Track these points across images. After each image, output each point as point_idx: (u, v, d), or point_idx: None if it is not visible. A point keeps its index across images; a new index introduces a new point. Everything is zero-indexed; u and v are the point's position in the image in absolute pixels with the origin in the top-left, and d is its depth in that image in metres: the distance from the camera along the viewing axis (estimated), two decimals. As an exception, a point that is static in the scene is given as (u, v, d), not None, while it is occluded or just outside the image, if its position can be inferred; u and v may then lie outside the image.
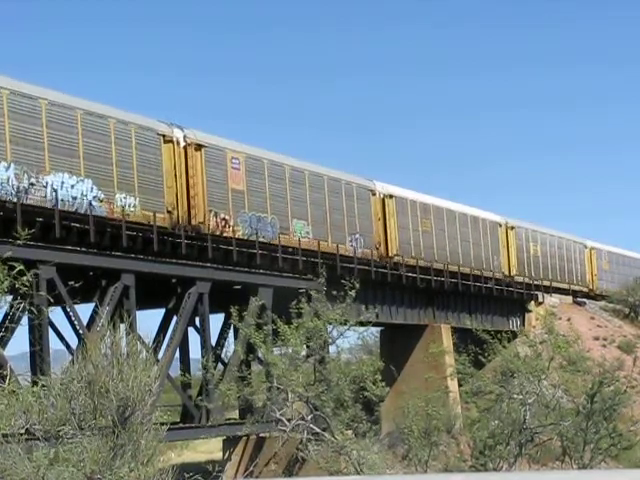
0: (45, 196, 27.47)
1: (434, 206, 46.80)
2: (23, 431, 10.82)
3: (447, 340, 45.21)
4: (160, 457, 11.15)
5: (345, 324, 29.73)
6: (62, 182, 27.99)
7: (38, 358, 26.31)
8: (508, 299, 53.30)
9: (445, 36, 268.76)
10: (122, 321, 18.54)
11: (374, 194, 42.58)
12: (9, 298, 14.07)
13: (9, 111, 26.86)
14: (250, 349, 31.70)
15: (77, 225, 28.85)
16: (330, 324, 29.47)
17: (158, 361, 28.48)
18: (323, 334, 29.10)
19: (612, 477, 10.65)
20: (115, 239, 29.95)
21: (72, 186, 28.32)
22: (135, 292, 29.90)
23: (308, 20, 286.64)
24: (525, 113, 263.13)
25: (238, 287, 34.40)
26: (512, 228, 53.81)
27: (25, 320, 21.12)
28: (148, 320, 41.01)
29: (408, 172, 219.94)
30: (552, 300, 57.76)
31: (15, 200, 26.60)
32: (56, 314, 28.55)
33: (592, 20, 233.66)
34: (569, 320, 55.36)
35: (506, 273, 52.32)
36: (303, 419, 28.45)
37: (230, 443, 34.69)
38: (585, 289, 62.88)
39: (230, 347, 34.35)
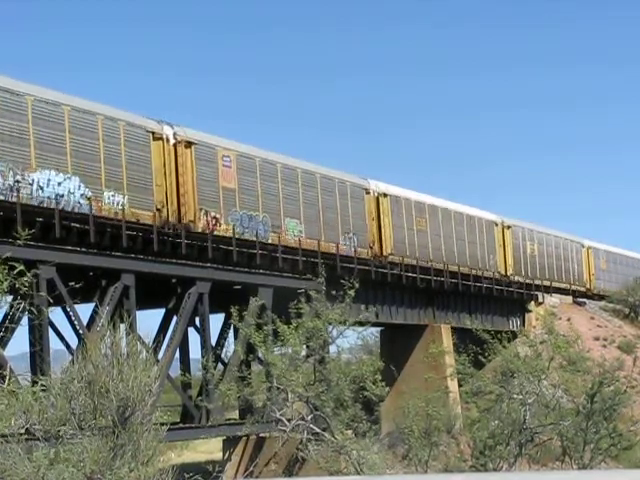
0: (31, 193, 27.13)
1: (429, 205, 46.39)
2: (23, 431, 10.81)
3: (447, 340, 45.18)
4: (160, 457, 11.14)
5: (344, 324, 29.70)
6: (49, 179, 27.67)
7: (38, 358, 26.30)
8: (508, 299, 53.27)
9: (445, 36, 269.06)
10: (122, 321, 18.51)
11: (368, 193, 42.16)
12: (9, 298, 14.06)
13: (-6, 107, 26.52)
14: (250, 349, 31.69)
15: (77, 225, 28.84)
16: (330, 324, 29.45)
17: (158, 361, 28.47)
18: (323, 334, 29.08)
19: (612, 477, 10.64)
20: (115, 239, 29.94)
21: (59, 183, 27.98)
22: (135, 292, 29.89)
23: (308, 20, 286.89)
24: (525, 113, 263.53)
25: (238, 287, 34.38)
26: (508, 227, 53.52)
27: (25, 320, 21.13)
28: (148, 320, 41.08)
29: (408, 172, 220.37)
30: (552, 300, 57.72)
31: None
32: (56, 314, 28.58)
33: (592, 20, 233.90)
34: (569, 320, 55.34)
35: (502, 272, 52.00)
36: (303, 419, 28.43)
37: (230, 443, 34.68)
38: (582, 288, 62.61)
39: (230, 347, 34.37)
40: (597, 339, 54.99)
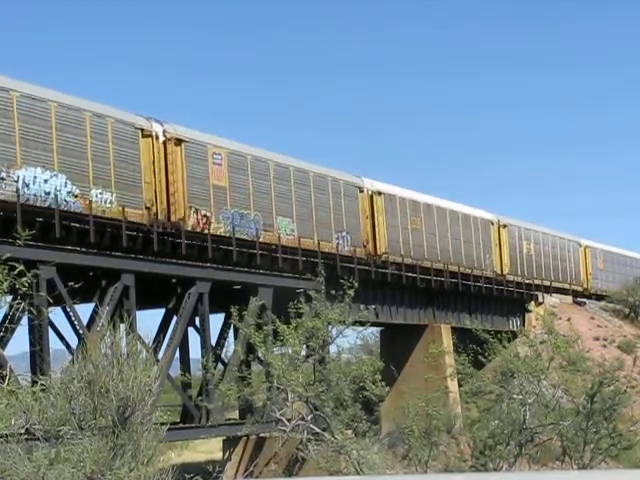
0: (17, 191, 26.81)
1: (424, 203, 46.03)
2: (23, 431, 10.81)
3: (447, 340, 45.18)
4: (160, 457, 11.14)
5: (344, 323, 29.68)
6: (34, 177, 27.31)
7: (38, 358, 26.29)
8: (508, 299, 53.26)
9: (445, 36, 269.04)
10: (122, 321, 18.53)
11: (362, 191, 41.77)
12: (9, 298, 14.05)
13: (-23, 103, 26.21)
14: (250, 349, 31.68)
15: (77, 225, 28.83)
16: (329, 324, 29.44)
17: (158, 361, 28.47)
18: (322, 333, 29.06)
19: (612, 477, 10.64)
20: (115, 239, 29.93)
21: (45, 181, 27.60)
22: (135, 292, 29.88)
23: (308, 20, 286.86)
24: (525, 113, 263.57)
25: (238, 287, 34.37)
26: (504, 226, 53.21)
27: (25, 320, 21.12)
28: (148, 320, 41.05)
29: (408, 172, 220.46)
30: (552, 300, 57.70)
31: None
32: (56, 314, 28.56)
33: (592, 20, 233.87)
34: (569, 320, 55.31)
35: (498, 272, 51.72)
36: (303, 419, 28.42)
37: (230, 443, 34.69)
38: (579, 288, 62.36)
39: (230, 347, 34.38)
40: (597, 339, 55.00)
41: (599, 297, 63.89)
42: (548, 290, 57.56)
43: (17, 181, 26.79)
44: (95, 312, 29.49)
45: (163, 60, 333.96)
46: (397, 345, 46.47)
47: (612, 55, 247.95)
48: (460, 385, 37.96)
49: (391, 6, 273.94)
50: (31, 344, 26.74)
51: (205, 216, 33.02)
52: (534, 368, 30.65)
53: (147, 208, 30.80)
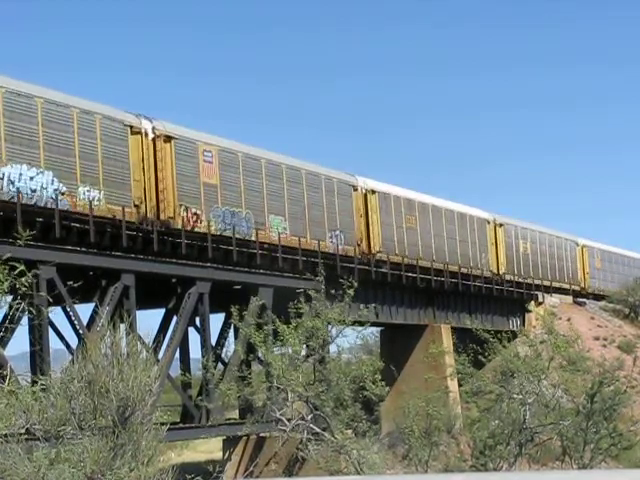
0: (2, 188, 26.60)
1: (419, 202, 45.64)
2: (23, 431, 10.81)
3: (447, 340, 45.18)
4: (160, 457, 11.14)
5: (344, 323, 29.68)
6: (20, 174, 26.95)
7: (38, 358, 26.28)
8: (508, 299, 53.24)
9: (445, 36, 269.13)
10: (122, 321, 18.53)
11: (356, 189, 41.42)
12: (9, 298, 14.06)
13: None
14: (250, 349, 31.68)
15: (77, 225, 28.82)
16: (329, 323, 29.44)
17: (158, 361, 28.46)
18: (322, 333, 29.06)
19: (612, 477, 10.64)
20: (115, 239, 29.92)
21: (31, 178, 27.21)
22: (135, 292, 29.86)
23: (308, 20, 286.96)
24: (525, 113, 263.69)
25: (238, 287, 34.35)
26: (501, 225, 52.83)
27: (25, 320, 21.11)
28: (148, 320, 41.07)
29: (408, 172, 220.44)
30: (552, 300, 57.66)
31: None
32: (56, 314, 28.55)
33: (592, 20, 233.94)
34: (569, 320, 55.31)
35: (494, 271, 51.44)
36: (303, 419, 28.43)
37: (230, 443, 34.68)
38: (577, 287, 62.08)
39: (230, 347, 34.37)
40: (597, 339, 54.99)
41: (596, 296, 63.73)
42: (548, 290, 57.51)
43: (2, 178, 26.45)
44: (95, 312, 29.48)
45: (163, 60, 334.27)
46: (397, 345, 46.45)
47: (612, 55, 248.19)
48: (460, 385, 37.96)
49: (391, 6, 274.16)
50: (31, 344, 26.73)
51: (195, 214, 32.65)
52: (534, 368, 30.65)
53: (136, 206, 30.41)
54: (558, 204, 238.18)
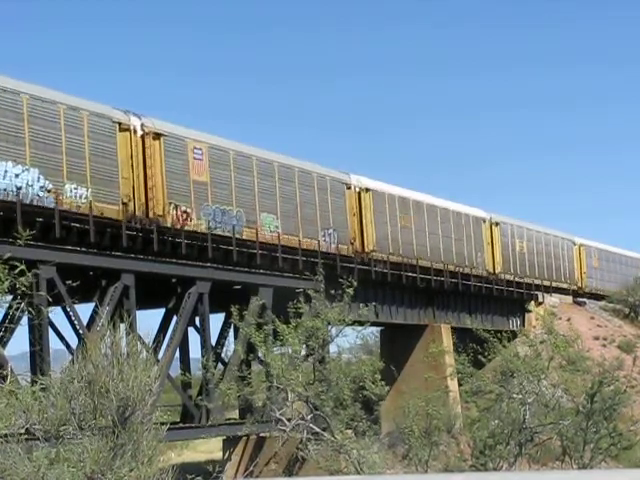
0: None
1: (414, 200, 45.31)
2: (23, 431, 10.81)
3: (447, 340, 45.20)
4: (160, 457, 11.14)
5: (343, 322, 29.66)
6: (5, 171, 26.57)
7: (38, 358, 26.28)
8: (508, 299, 53.25)
9: (445, 36, 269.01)
10: (122, 321, 18.53)
11: (349, 188, 41.10)
12: (9, 298, 14.07)
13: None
14: (250, 349, 31.68)
15: (77, 225, 28.81)
16: (329, 323, 29.43)
17: (158, 361, 28.47)
18: (322, 332, 29.05)
19: (612, 477, 10.64)
20: (115, 239, 29.92)
21: (16, 175, 26.82)
22: (135, 292, 29.87)
23: (308, 20, 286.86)
24: (525, 113, 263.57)
25: (238, 287, 34.36)
26: (497, 224, 52.47)
27: (25, 320, 21.11)
28: (148, 320, 41.05)
29: (408, 172, 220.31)
30: (552, 300, 57.67)
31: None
32: (56, 314, 28.56)
33: (592, 20, 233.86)
34: (569, 320, 55.35)
35: (490, 270, 51.18)
36: (303, 419, 28.42)
37: (230, 443, 34.69)
38: (574, 287, 61.98)
39: (230, 347, 34.36)
40: (597, 339, 55.03)
41: (593, 296, 63.58)
42: (548, 290, 57.48)
43: None
44: (95, 312, 29.48)
45: (163, 60, 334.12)
46: (397, 345, 46.45)
47: (612, 55, 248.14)
48: (460, 385, 37.95)
49: (391, 6, 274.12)
50: (31, 344, 26.73)
51: (185, 212, 32.31)
52: (534, 368, 30.65)
53: (124, 204, 30.02)
54: (558, 204, 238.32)
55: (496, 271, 51.74)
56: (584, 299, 61.73)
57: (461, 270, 47.97)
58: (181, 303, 32.35)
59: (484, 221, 51.58)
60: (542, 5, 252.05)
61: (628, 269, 68.63)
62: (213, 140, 34.39)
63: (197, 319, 33.51)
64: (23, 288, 13.19)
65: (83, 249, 28.87)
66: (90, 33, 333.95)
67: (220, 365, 34.26)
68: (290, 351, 28.89)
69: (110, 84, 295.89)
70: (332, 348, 30.91)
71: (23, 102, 27.33)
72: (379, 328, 48.24)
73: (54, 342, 28.72)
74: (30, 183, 27.20)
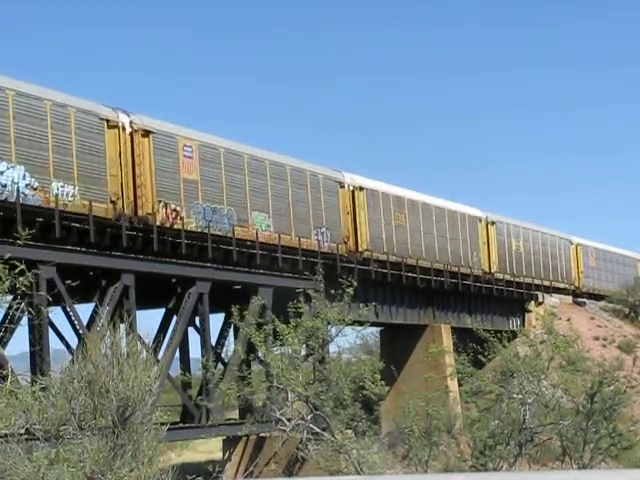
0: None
1: (408, 199, 44.85)
2: (23, 431, 10.81)
3: (447, 340, 45.19)
4: (160, 457, 11.13)
5: (343, 322, 29.65)
6: None
7: (38, 358, 26.26)
8: (508, 299, 53.23)
9: (445, 36, 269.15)
10: (122, 321, 18.53)
11: (342, 186, 40.64)
12: (9, 298, 14.06)
13: None
14: (250, 349, 31.67)
15: (77, 225, 28.79)
16: (328, 323, 29.42)
17: (158, 361, 28.47)
18: (322, 332, 29.04)
19: (612, 477, 10.64)
20: (115, 239, 29.90)
21: (1, 172, 26.43)
22: (135, 292, 29.85)
23: (308, 20, 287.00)
24: (525, 113, 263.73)
25: (238, 287, 34.34)
26: (493, 223, 52.14)
27: (25, 320, 21.10)
28: (148, 320, 41.03)
29: (408, 172, 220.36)
30: (552, 300, 57.65)
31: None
32: (56, 314, 28.55)
33: (592, 20, 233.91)
34: (569, 320, 55.34)
35: (486, 270, 50.90)
36: (303, 419, 28.42)
37: (230, 443, 34.68)
38: (571, 287, 61.74)
39: (230, 347, 34.36)
40: (597, 339, 55.02)
41: (591, 296, 63.45)
42: (548, 290, 57.44)
43: None
44: (95, 312, 29.47)
45: (163, 60, 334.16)
46: (397, 345, 46.43)
47: (612, 55, 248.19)
48: (460, 385, 37.95)
49: (391, 6, 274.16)
50: (31, 344, 26.71)
51: (175, 210, 31.92)
52: (534, 368, 30.65)
53: (112, 202, 29.66)
54: (558, 204, 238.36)
55: (492, 270, 51.41)
56: (584, 299, 61.69)
57: (461, 270, 47.94)
58: (181, 303, 32.33)
59: (480, 220, 51.21)
60: (542, 5, 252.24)
61: (626, 269, 68.48)
62: (204, 138, 33.98)
63: (197, 319, 33.49)
64: (23, 288, 13.19)
65: (83, 249, 28.86)
66: (90, 33, 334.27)
67: (220, 365, 34.25)
68: (290, 351, 28.88)
69: (110, 84, 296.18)
70: (332, 348, 30.91)
71: (9, 98, 26.89)
72: (379, 328, 48.23)
73: (54, 342, 28.75)
74: (16, 181, 26.74)
